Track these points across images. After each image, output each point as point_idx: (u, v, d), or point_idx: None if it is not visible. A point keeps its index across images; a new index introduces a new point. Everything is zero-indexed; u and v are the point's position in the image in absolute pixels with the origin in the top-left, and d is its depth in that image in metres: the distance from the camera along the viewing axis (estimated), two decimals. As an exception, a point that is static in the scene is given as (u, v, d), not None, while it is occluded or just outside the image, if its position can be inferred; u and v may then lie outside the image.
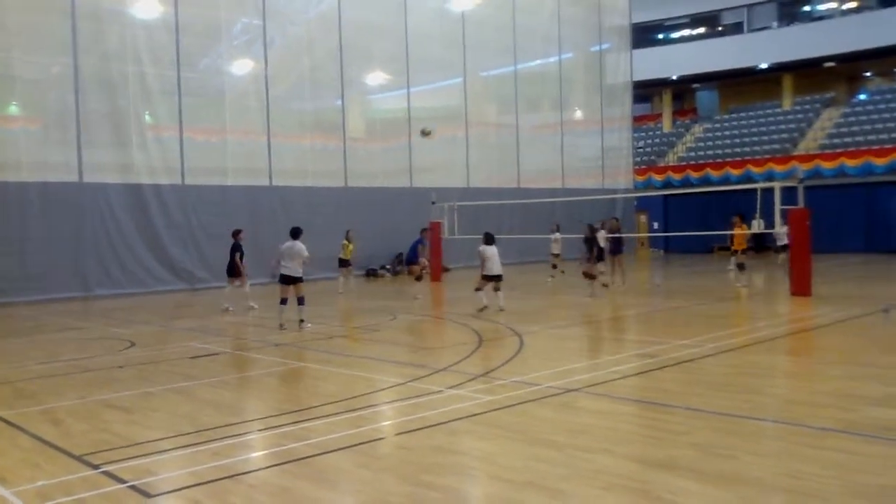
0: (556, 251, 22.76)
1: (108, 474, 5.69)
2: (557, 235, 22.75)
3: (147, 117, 23.28)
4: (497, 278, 15.93)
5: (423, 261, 20.05)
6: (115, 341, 12.87)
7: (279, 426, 7.05)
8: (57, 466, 5.95)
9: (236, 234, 17.44)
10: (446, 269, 25.80)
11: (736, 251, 20.62)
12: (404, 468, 5.76)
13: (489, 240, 16.26)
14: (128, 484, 5.46)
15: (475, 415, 7.19)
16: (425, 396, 8.03)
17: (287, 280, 13.77)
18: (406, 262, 19.58)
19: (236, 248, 17.24)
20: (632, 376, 9.01)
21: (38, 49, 21.43)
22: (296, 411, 7.57)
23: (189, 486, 5.43)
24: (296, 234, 13.86)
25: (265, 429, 7.10)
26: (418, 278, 19.53)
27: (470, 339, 12.02)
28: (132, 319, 16.16)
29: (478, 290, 15.99)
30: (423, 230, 20.20)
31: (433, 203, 24.20)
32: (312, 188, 25.75)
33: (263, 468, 5.88)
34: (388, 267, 27.05)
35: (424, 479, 5.47)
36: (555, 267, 22.61)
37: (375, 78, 29.03)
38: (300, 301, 13.73)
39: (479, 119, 31.72)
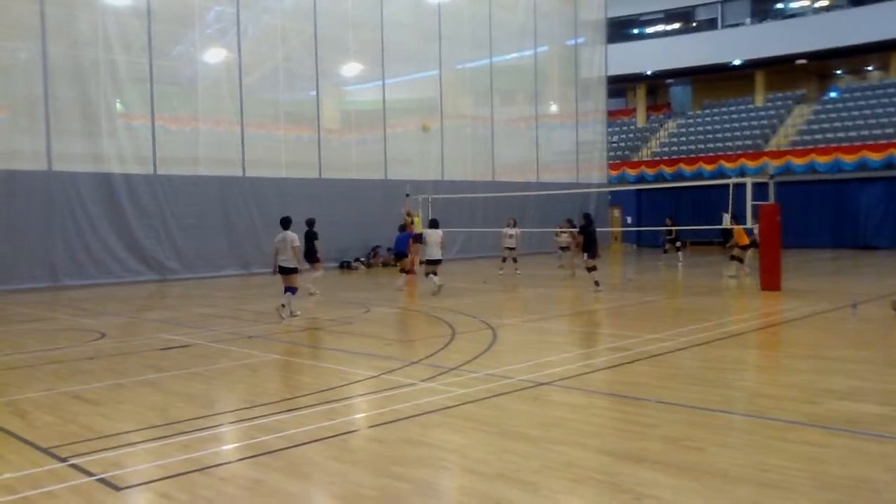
0: (510, 245, 22.83)
1: (75, 467, 5.63)
2: (515, 230, 22.82)
3: (118, 105, 22.98)
4: (435, 262, 17.29)
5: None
6: (84, 332, 12.72)
7: (251, 418, 7.01)
8: (23, 459, 5.87)
9: (311, 223, 17.59)
10: (420, 262, 25.77)
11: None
12: (376, 461, 5.76)
13: (433, 224, 17.66)
14: (96, 477, 5.40)
15: (448, 408, 7.21)
16: (398, 389, 8.03)
17: (284, 271, 13.79)
18: (395, 256, 19.51)
19: (312, 236, 17.45)
20: (604, 370, 9.07)
21: (5, 34, 21.06)
22: (268, 404, 7.53)
23: (158, 479, 5.38)
24: (286, 224, 13.85)
25: (237, 421, 7.06)
26: (409, 271, 19.56)
27: (443, 331, 12.02)
28: (102, 310, 15.98)
29: (427, 275, 17.51)
30: (404, 226, 20.26)
31: (407, 196, 24.16)
32: (286, 179, 25.59)
33: (234, 461, 5.84)
34: (362, 259, 26.99)
35: (396, 471, 5.47)
36: (504, 260, 22.86)
37: (350, 69, 28.90)
38: (292, 291, 13.81)
39: (455, 112, 31.70)
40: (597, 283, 17.72)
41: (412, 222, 21.75)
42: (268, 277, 21.17)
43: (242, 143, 24.70)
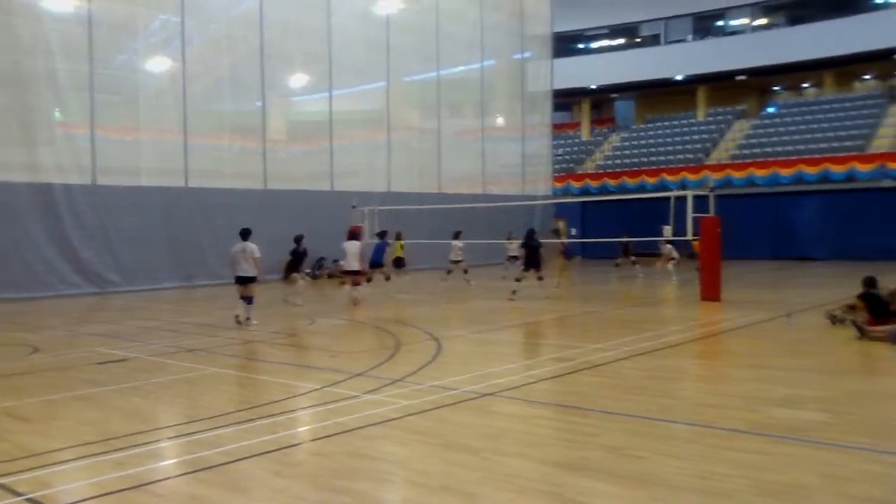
0: (455, 258, 22.98)
1: (2, 487, 5.42)
2: (460, 243, 22.96)
3: (57, 114, 22.40)
4: (354, 273, 17.60)
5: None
6: (17, 347, 12.30)
7: (190, 433, 6.85)
8: (-52, 479, 5.64)
9: (299, 239, 18.00)
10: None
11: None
12: (319, 474, 5.68)
13: (351, 236, 18.11)
14: (24, 497, 5.20)
15: (391, 420, 7.15)
16: (342, 402, 7.94)
17: (242, 280, 14.19)
18: (371, 265, 19.34)
19: (294, 252, 17.97)
20: (547, 380, 9.11)
21: (-61, 40, 20.41)
22: (208, 418, 7.37)
23: (91, 498, 5.21)
24: (245, 235, 14.28)
25: (176, 436, 6.89)
26: (368, 280, 19.38)
27: (388, 343, 11.96)
28: (37, 324, 15.51)
29: (343, 284, 18.28)
30: (384, 232, 20.17)
31: (353, 207, 24.02)
32: (230, 190, 25.18)
33: (172, 477, 5.70)
34: (308, 271, 26.71)
35: (339, 484, 5.40)
36: (449, 272, 23.01)
37: (297, 80, 28.69)
38: (248, 300, 14.25)
39: (402, 124, 31.65)
40: (514, 292, 18.27)
41: (401, 247, 21.85)
42: (211, 290, 20.91)
43: (185, 153, 24.26)
